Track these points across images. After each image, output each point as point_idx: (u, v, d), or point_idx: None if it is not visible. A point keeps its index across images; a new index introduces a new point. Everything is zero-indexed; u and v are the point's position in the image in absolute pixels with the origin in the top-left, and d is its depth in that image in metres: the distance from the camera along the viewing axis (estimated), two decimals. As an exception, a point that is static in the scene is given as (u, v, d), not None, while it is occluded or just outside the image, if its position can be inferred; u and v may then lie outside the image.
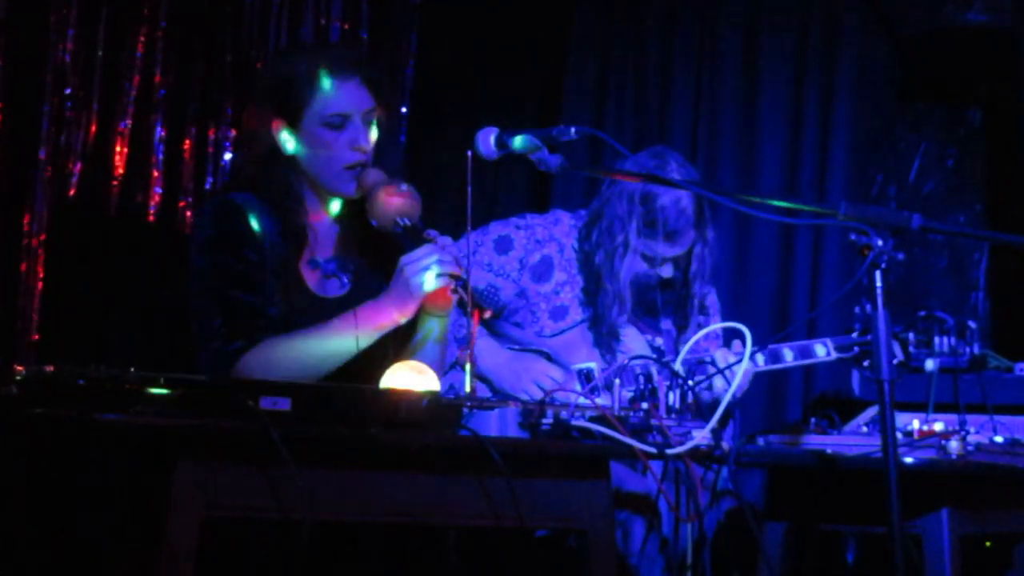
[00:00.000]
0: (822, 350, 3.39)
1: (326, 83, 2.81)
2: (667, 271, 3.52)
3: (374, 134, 2.87)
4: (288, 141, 2.85)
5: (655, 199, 3.43)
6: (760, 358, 3.32)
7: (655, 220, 3.43)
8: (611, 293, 3.49)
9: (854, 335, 3.41)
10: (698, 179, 3.54)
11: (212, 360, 2.70)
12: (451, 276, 2.66)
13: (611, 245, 3.49)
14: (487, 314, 2.99)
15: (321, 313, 2.78)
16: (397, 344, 2.84)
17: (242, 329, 2.71)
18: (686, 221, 3.45)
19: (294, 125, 2.83)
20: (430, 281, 2.66)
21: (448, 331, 2.92)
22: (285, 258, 2.81)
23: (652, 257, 3.49)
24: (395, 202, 2.75)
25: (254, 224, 2.79)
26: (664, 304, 3.55)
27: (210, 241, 2.78)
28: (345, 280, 2.91)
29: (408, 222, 2.75)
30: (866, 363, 3.41)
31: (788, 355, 3.37)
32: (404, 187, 2.78)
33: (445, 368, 2.99)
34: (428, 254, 2.68)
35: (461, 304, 2.60)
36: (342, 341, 2.73)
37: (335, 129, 2.82)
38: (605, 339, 3.52)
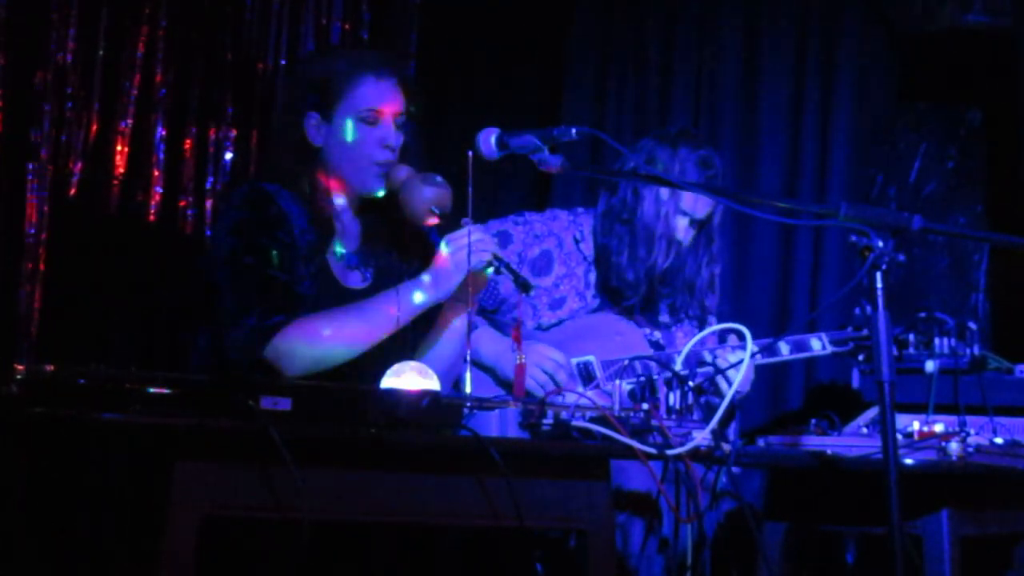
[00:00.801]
0: (817, 344, 3.46)
1: (364, 78, 2.87)
2: (688, 235, 3.53)
3: (403, 137, 2.91)
4: (318, 134, 2.89)
5: (693, 149, 3.50)
6: (757, 357, 3.34)
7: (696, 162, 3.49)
8: (659, 235, 3.51)
9: (849, 329, 3.45)
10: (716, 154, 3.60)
11: (247, 336, 2.71)
12: (494, 257, 2.74)
13: (656, 194, 3.51)
14: (531, 292, 3.02)
15: (344, 303, 2.82)
16: (418, 336, 2.88)
17: (280, 305, 2.73)
18: (714, 173, 3.51)
19: (327, 117, 2.88)
20: (472, 258, 2.72)
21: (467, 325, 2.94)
22: (313, 245, 2.85)
23: (687, 212, 3.51)
24: (430, 192, 2.83)
25: (284, 210, 2.83)
26: (673, 278, 3.57)
27: (244, 222, 2.81)
28: (368, 274, 2.95)
29: (441, 212, 2.82)
30: (861, 357, 3.47)
31: (784, 348, 3.43)
32: (438, 178, 2.86)
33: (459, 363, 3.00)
34: (469, 233, 2.74)
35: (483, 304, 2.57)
36: (382, 318, 2.77)
37: (367, 124, 2.87)
38: (648, 296, 3.54)
